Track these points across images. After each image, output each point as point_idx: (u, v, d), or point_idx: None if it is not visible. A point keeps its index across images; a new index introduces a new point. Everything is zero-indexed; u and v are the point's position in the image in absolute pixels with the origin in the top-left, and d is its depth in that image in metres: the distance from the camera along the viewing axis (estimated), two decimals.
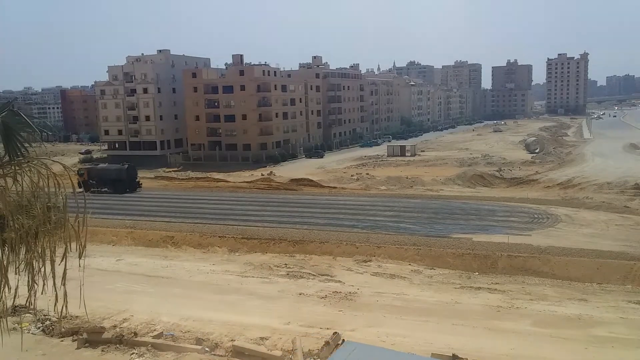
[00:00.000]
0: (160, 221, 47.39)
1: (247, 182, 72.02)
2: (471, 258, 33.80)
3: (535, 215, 44.51)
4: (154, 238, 42.45)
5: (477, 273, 32.05)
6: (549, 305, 26.13)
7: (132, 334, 21.96)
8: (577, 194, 56.93)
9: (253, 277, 32.22)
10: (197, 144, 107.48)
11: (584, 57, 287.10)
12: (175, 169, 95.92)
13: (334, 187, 66.16)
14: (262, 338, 22.08)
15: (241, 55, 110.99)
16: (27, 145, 8.99)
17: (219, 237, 41.22)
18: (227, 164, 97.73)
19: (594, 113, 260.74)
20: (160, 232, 43.67)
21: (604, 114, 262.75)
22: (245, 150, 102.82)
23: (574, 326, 23.43)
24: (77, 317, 22.71)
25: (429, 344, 20.95)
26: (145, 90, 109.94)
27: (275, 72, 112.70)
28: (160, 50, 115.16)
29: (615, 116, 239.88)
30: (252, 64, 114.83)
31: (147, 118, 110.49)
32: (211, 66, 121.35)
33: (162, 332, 22.58)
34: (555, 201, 51.79)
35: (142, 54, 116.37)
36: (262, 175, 79.36)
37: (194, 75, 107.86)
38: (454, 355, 18.89)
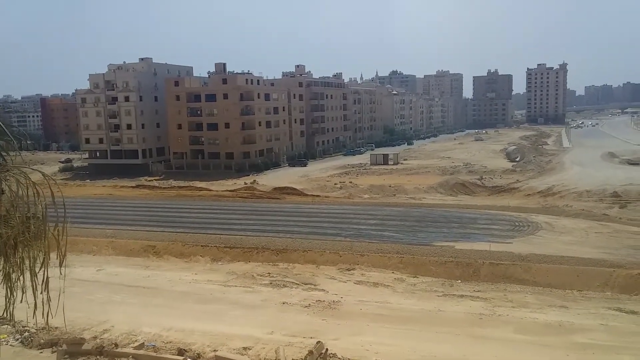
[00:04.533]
0: (142, 230, 46.91)
1: (230, 190, 71.70)
2: (454, 266, 33.99)
3: (517, 223, 44.96)
4: (135, 247, 41.98)
5: (459, 281, 32.23)
6: (531, 312, 26.35)
7: (113, 345, 21.61)
8: (557, 202, 57.68)
9: (236, 286, 32.00)
10: (179, 152, 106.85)
11: (563, 67, 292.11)
12: (157, 177, 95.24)
13: (317, 196, 66.17)
14: (245, 348, 21.88)
15: (224, 64, 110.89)
16: (5, 154, 8.85)
17: (202, 246, 40.92)
18: (209, 172, 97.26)
19: (573, 122, 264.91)
20: (141, 241, 43.20)
21: (582, 123, 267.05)
22: (228, 159, 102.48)
23: (554, 333, 23.65)
24: (56, 328, 22.31)
25: (413, 352, 20.97)
26: (126, 99, 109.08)
27: (258, 80, 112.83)
28: (142, 59, 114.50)
29: (594, 125, 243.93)
30: (235, 72, 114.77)
31: (129, 126, 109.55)
32: (194, 75, 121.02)
33: (144, 342, 22.26)
34: (536, 209, 52.38)
35: (124, 62, 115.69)
36: (245, 183, 79.12)
37: (176, 83, 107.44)
38: None
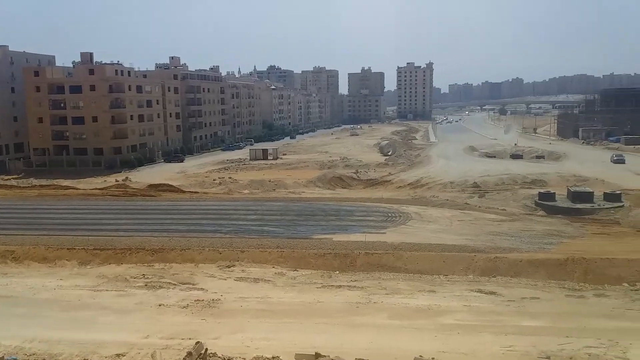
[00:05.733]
0: None
1: (99, 189, 67.44)
2: (332, 257, 34.91)
3: (389, 214, 47.24)
4: None
5: (337, 272, 33.17)
6: (403, 298, 27.87)
7: None
8: (425, 193, 61.55)
9: (107, 290, 30.22)
10: (41, 148, 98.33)
11: (429, 66, 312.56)
12: (16, 176, 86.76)
13: (196, 192, 64.54)
14: (118, 355, 20.78)
15: (91, 54, 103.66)
16: None
17: (68, 249, 37.99)
18: (76, 170, 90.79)
19: (438, 118, 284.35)
20: None
21: (446, 119, 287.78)
22: (97, 155, 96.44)
23: (424, 316, 25.24)
24: None
25: (293, 345, 21.23)
26: None
27: (129, 72, 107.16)
28: None
29: (457, 121, 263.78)
30: (103, 62, 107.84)
31: None
32: (56, 64, 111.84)
33: (3, 356, 20.31)
34: (407, 200, 55.45)
35: None
36: (117, 181, 74.84)
37: (36, 73, 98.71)
38: (316, 353, 19.35)
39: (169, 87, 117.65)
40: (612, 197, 50.90)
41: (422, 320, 24.72)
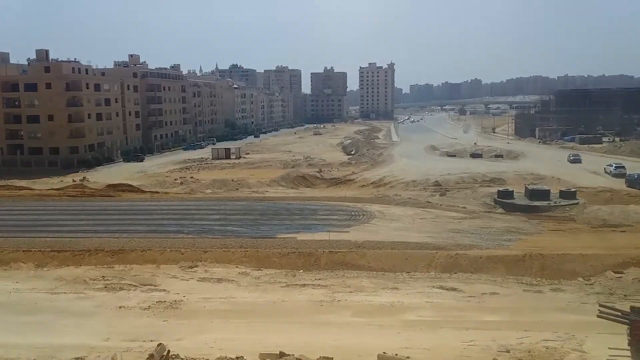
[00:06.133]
0: None
1: (56, 189, 65.55)
2: (296, 256, 34.90)
3: (353, 213, 47.55)
4: None
5: (302, 270, 33.18)
6: (366, 295, 28.09)
7: None
8: (388, 191, 62.22)
9: (65, 293, 29.41)
10: None
11: (391, 66, 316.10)
12: None
13: (157, 192, 63.48)
14: (77, 359, 20.26)
15: (46, 51, 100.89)
16: None
17: (24, 251, 36.77)
18: (31, 170, 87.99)
19: (400, 118, 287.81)
20: None
21: (408, 118, 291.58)
22: (53, 155, 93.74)
23: (387, 313, 25.50)
24: None
25: (257, 344, 21.11)
26: None
27: (87, 69, 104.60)
28: None
29: (418, 121, 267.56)
30: (60, 60, 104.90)
31: None
32: (10, 62, 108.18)
33: None
34: (370, 199, 55.91)
35: None
36: (74, 181, 72.90)
37: None
38: (281, 353, 19.30)
39: (128, 86, 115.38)
40: (568, 194, 52.60)
41: (385, 317, 24.97)
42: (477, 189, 60.44)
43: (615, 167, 69.38)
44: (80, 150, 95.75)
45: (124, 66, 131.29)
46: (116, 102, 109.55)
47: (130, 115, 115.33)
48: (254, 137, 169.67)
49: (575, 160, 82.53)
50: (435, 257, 33.75)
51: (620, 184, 60.45)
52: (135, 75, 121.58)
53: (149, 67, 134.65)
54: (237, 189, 65.58)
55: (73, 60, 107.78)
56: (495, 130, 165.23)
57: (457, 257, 33.39)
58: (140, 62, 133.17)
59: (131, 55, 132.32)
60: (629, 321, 20.87)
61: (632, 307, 22.12)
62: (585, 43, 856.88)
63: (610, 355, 19.95)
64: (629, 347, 20.48)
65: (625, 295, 26.97)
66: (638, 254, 32.36)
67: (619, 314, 21.47)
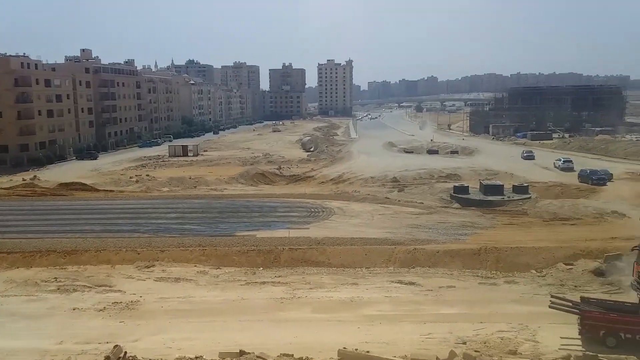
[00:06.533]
0: None
1: (5, 188, 63.03)
2: (256, 254, 34.73)
3: (313, 210, 47.62)
4: None
5: (261, 268, 33.04)
6: (326, 292, 28.22)
7: None
8: (347, 188, 62.60)
9: (16, 295, 28.42)
10: None
11: (349, 63, 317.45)
12: None
13: (111, 191, 61.93)
14: None
15: None
16: None
17: None
18: None
19: (359, 115, 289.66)
20: None
21: (367, 115, 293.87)
22: (2, 153, 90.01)
23: (347, 309, 25.70)
24: None
25: (217, 344, 20.93)
26: None
27: (36, 64, 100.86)
28: None
29: (376, 118, 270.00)
30: (7, 55, 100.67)
31: None
32: None
33: None
34: (329, 195, 56.13)
35: None
36: (24, 180, 70.18)
37: None
38: (241, 351, 19.17)
39: (80, 81, 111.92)
40: (520, 189, 54.15)
41: (345, 313, 25.15)
42: (434, 185, 61.50)
43: (563, 161, 72.60)
44: (31, 148, 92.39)
45: (76, 61, 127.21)
46: (68, 98, 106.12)
47: (82, 112, 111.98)
48: (213, 133, 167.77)
49: (529, 156, 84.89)
50: (394, 252, 34.17)
51: (570, 179, 62.63)
52: (87, 70, 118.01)
53: (102, 62, 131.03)
54: (195, 187, 64.67)
55: (22, 55, 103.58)
56: (451, 127, 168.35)
57: (415, 252, 33.91)
58: (93, 57, 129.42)
59: (83, 50, 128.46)
60: (579, 311, 21.72)
61: (582, 298, 23.02)
62: (537, 42, 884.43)
63: (562, 345, 20.69)
64: (579, 336, 21.31)
65: (575, 286, 28.03)
66: (587, 246, 33.64)
67: (570, 304, 22.32)
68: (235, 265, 33.63)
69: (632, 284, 25.51)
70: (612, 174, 61.17)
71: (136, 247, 36.04)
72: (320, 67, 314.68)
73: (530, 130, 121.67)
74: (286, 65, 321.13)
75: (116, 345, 19.44)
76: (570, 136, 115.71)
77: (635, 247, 25.48)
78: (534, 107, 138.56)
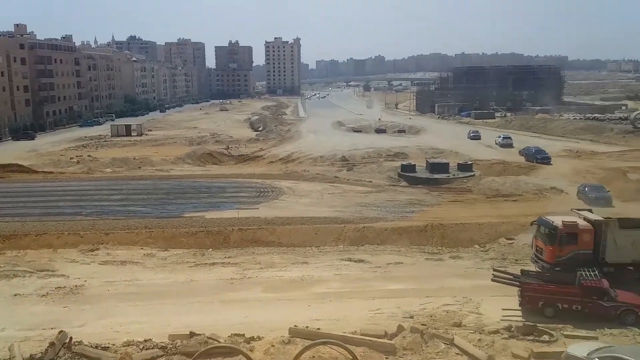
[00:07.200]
0: None
1: None
2: (204, 235, 34.35)
3: (262, 190, 47.42)
4: None
5: (210, 249, 32.74)
6: (277, 271, 28.31)
7: None
8: (297, 167, 62.57)
9: None
10: None
11: (297, 41, 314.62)
12: None
13: (51, 172, 59.54)
14: None
15: None
16: None
17: None
18: None
19: (307, 94, 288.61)
20: None
21: (315, 94, 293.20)
22: None
23: (298, 287, 25.91)
24: None
25: (166, 326, 20.70)
26: None
27: None
28: None
29: (324, 97, 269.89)
30: None
31: None
32: None
33: None
34: (279, 175, 55.97)
35: None
36: None
37: None
38: (191, 332, 19.05)
39: (14, 58, 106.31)
40: (465, 167, 55.67)
41: (296, 292, 25.35)
42: (382, 164, 62.31)
43: (502, 138, 77.97)
44: None
45: (9, 37, 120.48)
46: (2, 75, 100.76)
47: (18, 90, 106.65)
48: (160, 112, 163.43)
49: (475, 136, 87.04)
50: (343, 230, 34.57)
51: (511, 156, 64.88)
52: (22, 46, 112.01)
53: (38, 38, 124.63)
54: (140, 168, 62.99)
55: None
56: (398, 106, 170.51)
57: (364, 230, 34.42)
58: (28, 32, 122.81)
59: (17, 25, 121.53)
60: (519, 283, 22.74)
61: (522, 271, 24.09)
62: (480, 22, 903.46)
63: (504, 316, 21.64)
64: (519, 308, 22.34)
65: (516, 260, 29.24)
66: (527, 222, 35.00)
67: (511, 277, 23.31)
68: (183, 247, 33.17)
69: (532, 257, 27.03)
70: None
71: (79, 230, 34.93)
72: (267, 45, 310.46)
73: (474, 110, 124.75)
74: (233, 42, 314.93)
75: (61, 331, 18.91)
76: (511, 115, 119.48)
77: (534, 221, 26.92)
78: (478, 87, 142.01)
